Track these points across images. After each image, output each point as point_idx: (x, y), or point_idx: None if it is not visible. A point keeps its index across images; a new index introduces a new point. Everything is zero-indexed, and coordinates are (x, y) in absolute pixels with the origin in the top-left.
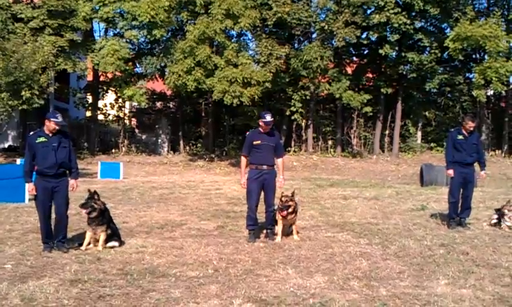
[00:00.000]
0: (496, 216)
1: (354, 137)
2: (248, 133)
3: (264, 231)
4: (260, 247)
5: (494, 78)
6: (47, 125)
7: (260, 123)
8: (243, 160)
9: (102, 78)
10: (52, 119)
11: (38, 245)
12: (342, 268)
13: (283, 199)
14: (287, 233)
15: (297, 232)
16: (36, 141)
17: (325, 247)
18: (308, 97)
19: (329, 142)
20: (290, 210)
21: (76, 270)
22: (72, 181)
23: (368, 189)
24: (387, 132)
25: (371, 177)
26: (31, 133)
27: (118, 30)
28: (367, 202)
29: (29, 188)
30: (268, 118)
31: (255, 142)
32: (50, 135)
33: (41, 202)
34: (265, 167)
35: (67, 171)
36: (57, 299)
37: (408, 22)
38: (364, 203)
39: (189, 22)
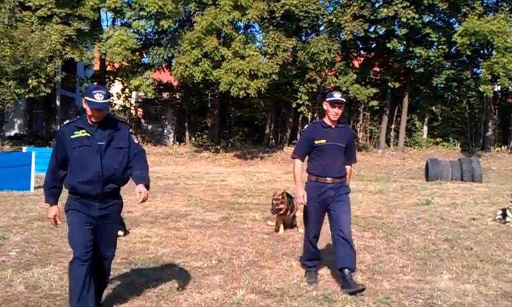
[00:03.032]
0: (500, 212)
1: (360, 130)
2: (306, 127)
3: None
4: (264, 238)
5: (501, 74)
6: (86, 111)
7: (326, 107)
8: (297, 164)
9: (108, 68)
10: (87, 97)
11: (43, 234)
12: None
13: (274, 202)
14: (291, 225)
15: (301, 225)
16: (72, 137)
17: (329, 240)
18: (314, 90)
19: None
20: (281, 212)
21: None
22: (139, 187)
23: (373, 183)
24: (393, 126)
25: (376, 171)
26: (65, 122)
27: (125, 20)
28: (372, 196)
29: (50, 213)
30: (337, 96)
31: (317, 142)
32: (96, 127)
33: (75, 241)
34: (329, 179)
35: (120, 189)
36: (62, 287)
37: (416, 16)
38: (369, 196)
39: (196, 12)
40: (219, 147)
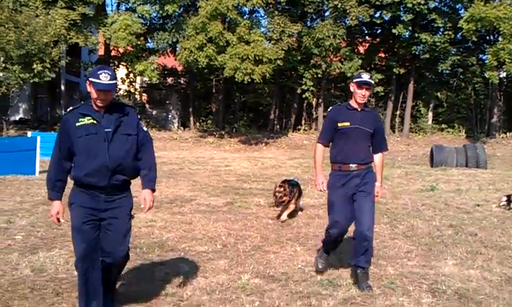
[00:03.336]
0: (505, 198)
1: None
2: (330, 109)
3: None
4: (268, 223)
5: (507, 60)
6: (91, 94)
7: (353, 88)
8: (318, 149)
9: (113, 53)
10: (91, 78)
11: (48, 217)
12: (350, 247)
13: (276, 194)
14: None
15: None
16: (77, 125)
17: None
18: (319, 76)
19: None
20: (285, 204)
21: None
22: (145, 193)
23: None
24: (398, 112)
25: None
26: (69, 110)
27: (130, 5)
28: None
29: (53, 210)
30: (366, 77)
31: (340, 124)
32: (102, 112)
33: (80, 237)
34: (353, 166)
35: (130, 182)
36: (67, 270)
37: (422, 1)
38: None
39: None
40: (223, 132)
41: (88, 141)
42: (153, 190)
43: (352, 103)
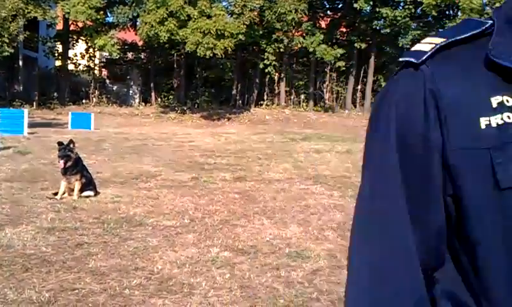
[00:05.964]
0: None
1: (326, 91)
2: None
3: None
4: (235, 198)
5: None
6: None
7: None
8: None
9: (72, 27)
10: None
11: (12, 194)
12: (317, 220)
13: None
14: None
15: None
16: (496, 123)
17: (299, 199)
18: (281, 50)
19: (302, 96)
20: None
21: (52, 219)
22: None
23: (341, 143)
24: (359, 87)
25: (343, 132)
26: (440, 42)
27: None
28: (340, 156)
29: None
30: None
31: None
32: None
33: None
34: None
35: None
36: (35, 246)
37: None
38: (337, 156)
39: None
40: (185, 108)
41: None
42: None
43: None
